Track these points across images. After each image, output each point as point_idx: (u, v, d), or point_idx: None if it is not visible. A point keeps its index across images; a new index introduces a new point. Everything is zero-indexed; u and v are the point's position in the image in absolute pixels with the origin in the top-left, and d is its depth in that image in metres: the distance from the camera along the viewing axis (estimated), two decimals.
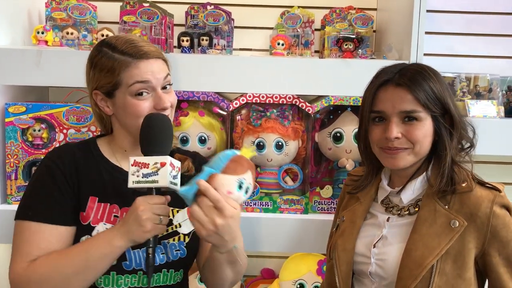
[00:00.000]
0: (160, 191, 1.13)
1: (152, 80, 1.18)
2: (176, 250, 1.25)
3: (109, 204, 1.20)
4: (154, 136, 1.14)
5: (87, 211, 1.19)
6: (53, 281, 1.11)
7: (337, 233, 1.30)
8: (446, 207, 1.15)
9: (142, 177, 1.09)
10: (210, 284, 1.31)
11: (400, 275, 1.13)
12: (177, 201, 1.21)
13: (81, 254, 1.12)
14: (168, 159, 1.10)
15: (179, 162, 1.15)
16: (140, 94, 1.18)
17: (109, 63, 1.18)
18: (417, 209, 1.20)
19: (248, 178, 1.10)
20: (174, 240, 1.25)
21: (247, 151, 1.13)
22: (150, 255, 1.11)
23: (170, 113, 1.23)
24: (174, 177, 1.12)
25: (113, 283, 1.19)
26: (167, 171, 1.09)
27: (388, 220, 1.22)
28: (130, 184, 1.10)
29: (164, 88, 1.22)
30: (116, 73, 1.18)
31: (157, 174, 1.09)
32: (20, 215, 1.17)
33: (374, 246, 1.20)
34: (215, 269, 1.22)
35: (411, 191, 1.21)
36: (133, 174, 1.10)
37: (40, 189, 1.19)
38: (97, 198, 1.20)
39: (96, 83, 1.21)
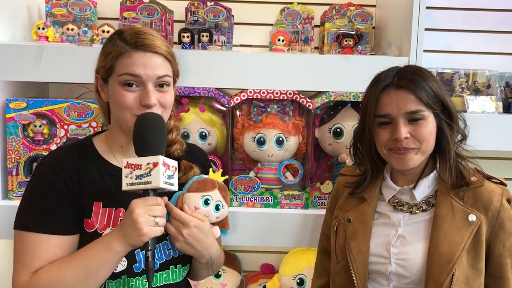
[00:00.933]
0: (157, 192, 1.11)
1: (143, 75, 1.13)
2: None
3: (114, 208, 1.18)
4: (146, 136, 1.11)
5: (92, 217, 1.16)
6: None
7: (341, 234, 1.31)
8: (462, 202, 1.19)
9: (136, 179, 1.08)
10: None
11: (430, 272, 1.15)
12: None
13: (82, 262, 1.10)
14: (160, 158, 1.08)
15: (175, 162, 1.14)
16: (130, 85, 1.14)
17: (109, 48, 1.17)
18: (430, 206, 1.23)
19: (214, 196, 1.25)
20: None
21: (215, 175, 1.29)
22: (150, 259, 1.08)
23: (162, 113, 1.18)
24: (169, 177, 1.11)
25: (125, 285, 1.16)
26: (160, 171, 1.07)
27: (402, 218, 1.24)
28: (124, 187, 1.09)
29: (160, 86, 1.17)
30: (109, 57, 1.15)
31: (150, 175, 1.07)
32: (20, 225, 1.14)
33: (392, 246, 1.22)
34: (195, 270, 1.33)
35: (425, 188, 1.24)
36: (126, 176, 1.08)
37: (39, 199, 1.14)
38: (102, 203, 1.17)
39: (97, 65, 1.21)
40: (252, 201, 1.67)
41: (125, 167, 1.09)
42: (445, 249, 1.15)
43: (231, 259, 2.06)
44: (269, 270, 2.10)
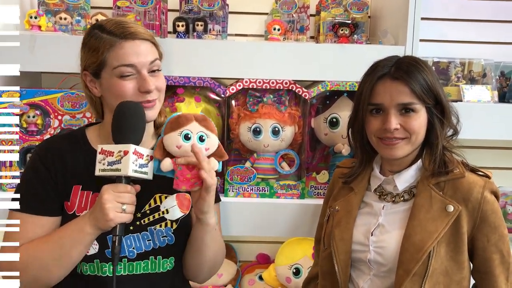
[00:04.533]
0: (129, 180, 1.13)
1: (137, 64, 1.18)
2: (163, 237, 1.24)
3: (92, 192, 1.21)
4: (123, 124, 1.15)
5: (71, 200, 1.21)
6: (33, 268, 1.15)
7: (330, 223, 1.33)
8: (441, 193, 1.19)
9: (107, 165, 1.11)
10: (191, 265, 1.29)
11: (401, 259, 1.16)
12: (164, 187, 1.23)
13: (56, 241, 1.15)
14: (131, 147, 1.10)
15: (151, 151, 1.16)
16: (126, 75, 1.18)
17: (96, 43, 1.19)
18: (411, 196, 1.24)
19: (194, 128, 1.16)
20: (161, 226, 1.25)
21: (189, 109, 1.20)
22: (116, 244, 1.11)
23: (157, 98, 1.23)
24: (142, 165, 1.13)
25: (98, 271, 1.19)
26: (129, 159, 1.09)
27: (383, 208, 1.26)
28: (97, 172, 1.12)
29: (152, 71, 1.21)
30: (100, 52, 1.18)
31: (120, 163, 1.10)
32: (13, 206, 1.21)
33: (372, 234, 1.23)
34: (198, 248, 1.25)
35: (406, 179, 1.25)
36: (99, 162, 1.12)
37: (26, 183, 1.22)
38: (81, 186, 1.21)
39: (84, 63, 1.23)
40: (248, 191, 1.67)
41: (99, 153, 1.12)
42: (417, 238, 1.16)
43: (227, 249, 2.04)
44: (265, 260, 2.11)
